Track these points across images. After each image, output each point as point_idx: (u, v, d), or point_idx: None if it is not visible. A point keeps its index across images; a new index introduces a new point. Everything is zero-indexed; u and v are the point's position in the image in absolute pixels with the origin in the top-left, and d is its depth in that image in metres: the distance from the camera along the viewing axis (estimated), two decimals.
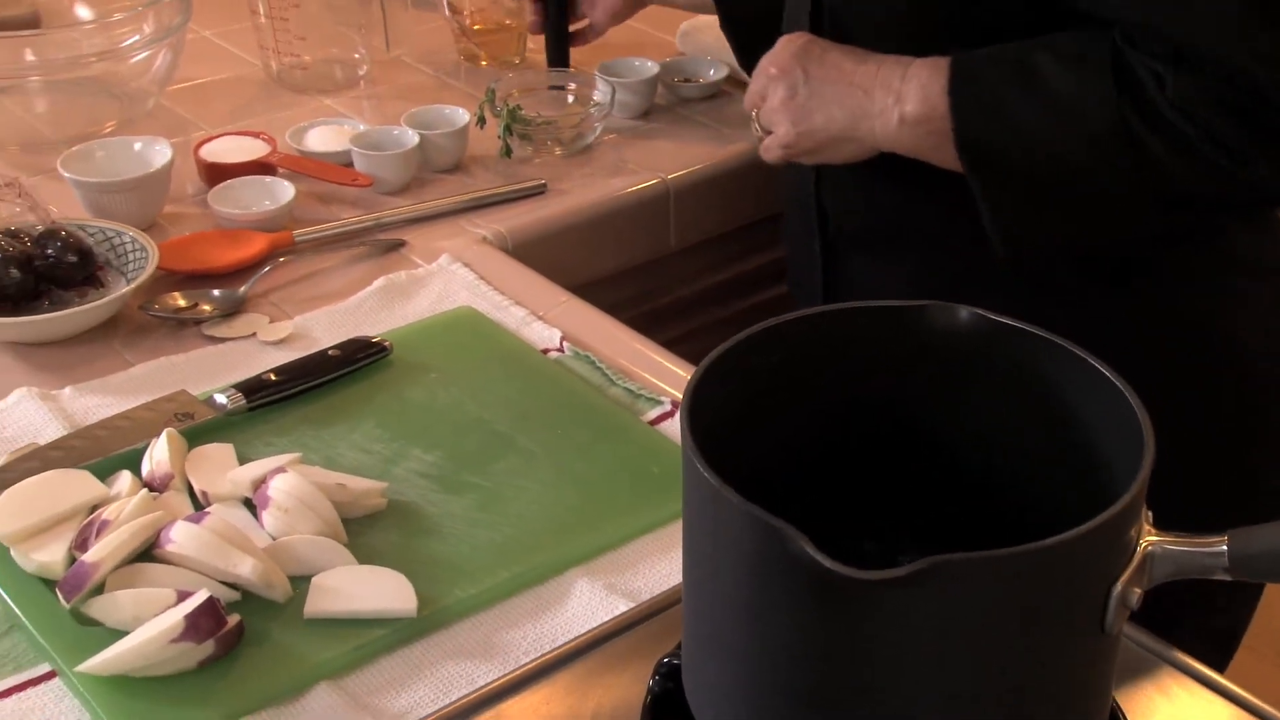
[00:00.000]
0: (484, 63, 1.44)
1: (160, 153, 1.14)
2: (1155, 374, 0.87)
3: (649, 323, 1.26)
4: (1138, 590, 0.54)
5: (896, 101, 0.87)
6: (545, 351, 0.98)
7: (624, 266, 1.23)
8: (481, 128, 1.27)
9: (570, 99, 1.32)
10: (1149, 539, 0.55)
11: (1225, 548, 0.54)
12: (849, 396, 0.64)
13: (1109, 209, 0.84)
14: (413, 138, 1.21)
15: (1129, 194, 0.83)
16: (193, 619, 0.68)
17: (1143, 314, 0.91)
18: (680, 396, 0.92)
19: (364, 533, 0.79)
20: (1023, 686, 0.54)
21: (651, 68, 1.34)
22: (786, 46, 0.93)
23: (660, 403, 0.92)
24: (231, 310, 1.02)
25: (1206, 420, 0.92)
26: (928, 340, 0.63)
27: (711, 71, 1.38)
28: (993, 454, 0.64)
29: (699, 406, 0.57)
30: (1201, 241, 0.90)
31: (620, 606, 0.74)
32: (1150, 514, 0.56)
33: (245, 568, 0.73)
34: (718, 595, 0.56)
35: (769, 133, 0.96)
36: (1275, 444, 0.95)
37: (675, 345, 1.28)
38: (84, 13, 1.41)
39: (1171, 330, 0.91)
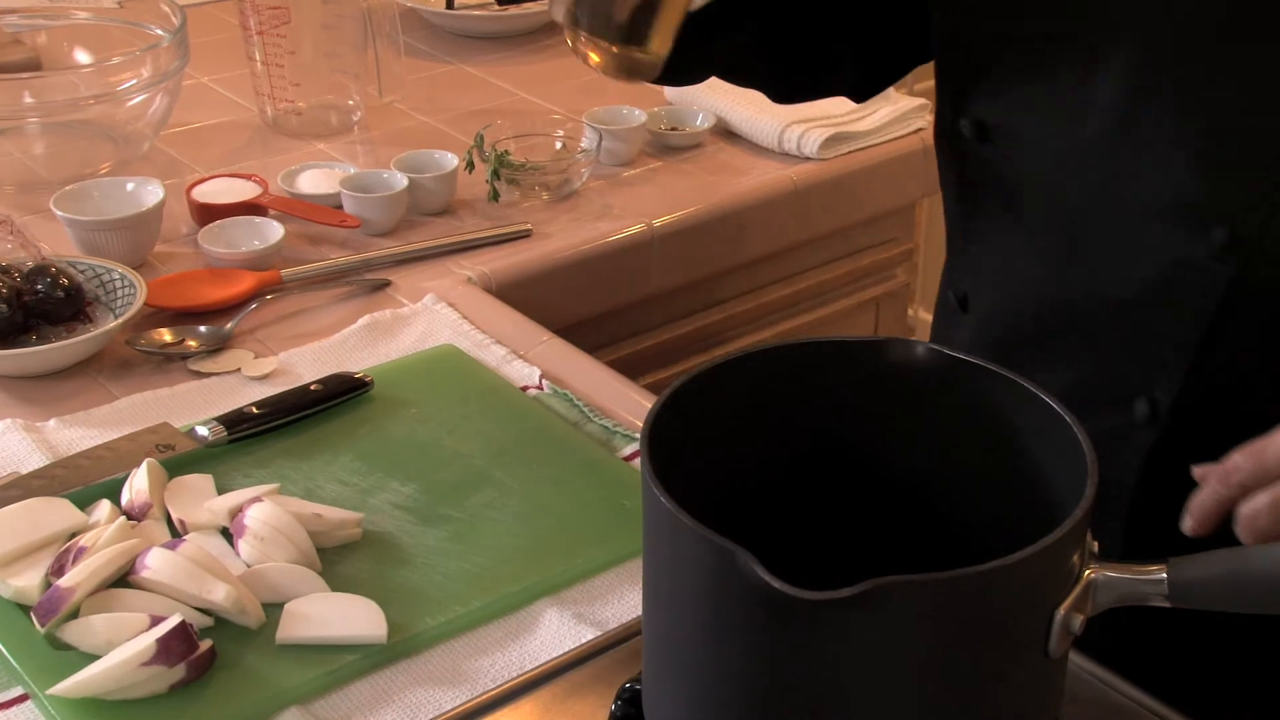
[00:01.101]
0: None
1: (152, 193, 1.17)
2: None
3: (630, 365, 1.28)
4: (1080, 616, 0.55)
5: None
6: (524, 389, 0.99)
7: (606, 309, 1.25)
8: (470, 172, 1.29)
9: (558, 145, 1.35)
10: (1092, 567, 0.56)
11: (1164, 575, 0.55)
12: (809, 428, 0.66)
13: None
14: (401, 180, 1.23)
15: None
16: (164, 643, 0.70)
17: None
18: None
19: (339, 562, 0.80)
20: (967, 707, 0.55)
21: (639, 116, 1.37)
22: None
23: (635, 439, 0.93)
24: (217, 346, 1.04)
25: None
26: (886, 374, 0.65)
27: (699, 120, 1.41)
28: (949, 486, 0.66)
29: (660, 434, 0.59)
30: None
31: (588, 635, 0.75)
32: (1096, 544, 0.58)
33: (219, 594, 0.74)
34: (674, 617, 0.58)
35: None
36: None
37: (656, 388, 1.31)
38: (83, 57, 1.44)
39: None
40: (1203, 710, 0.69)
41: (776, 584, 0.51)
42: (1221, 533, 0.61)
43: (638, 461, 0.91)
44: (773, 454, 0.66)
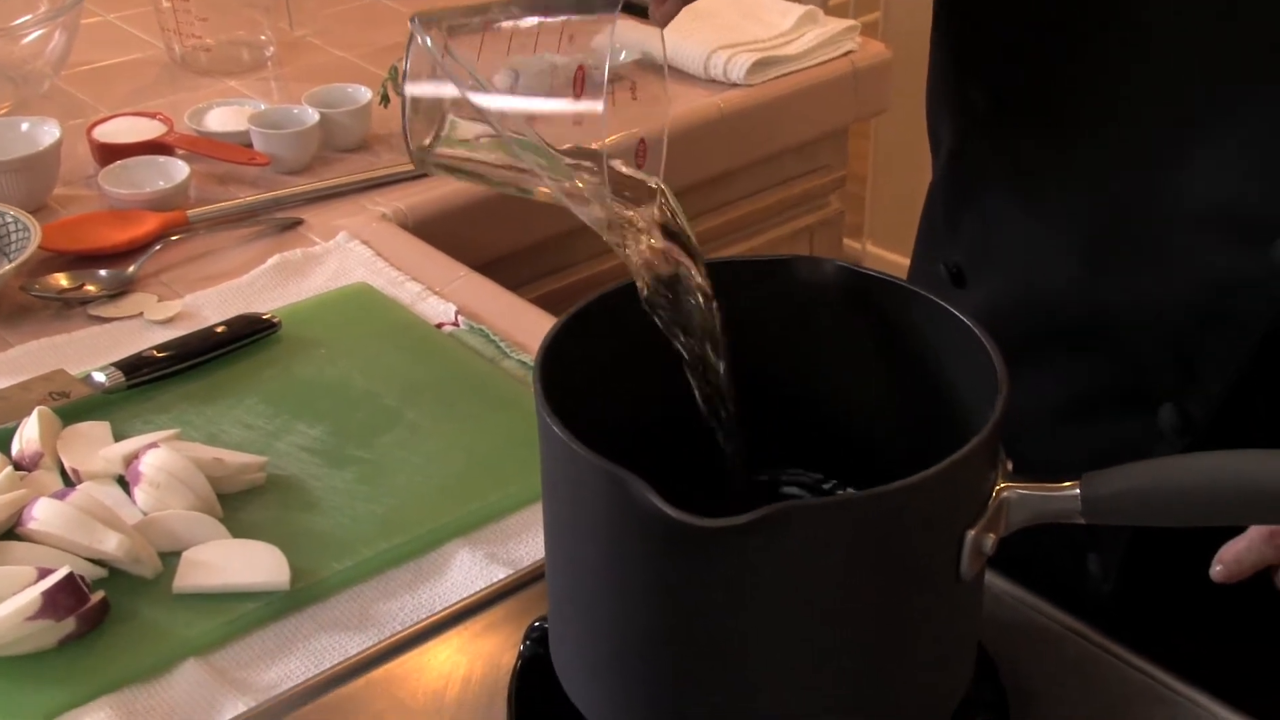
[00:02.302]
0: None
1: (48, 133, 1.12)
2: None
3: (554, 301, 1.24)
4: (993, 536, 0.53)
5: None
6: (439, 326, 0.96)
7: (530, 242, 1.21)
8: (385, 106, 1.25)
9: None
10: (1004, 484, 0.54)
11: (1078, 491, 0.54)
12: None
13: None
14: (312, 116, 1.19)
15: None
16: (50, 596, 0.66)
17: None
18: None
19: (241, 508, 0.77)
20: (879, 633, 0.53)
21: None
22: None
23: None
24: (119, 291, 1.00)
25: None
26: (795, 294, 0.62)
27: (622, 55, 1.36)
28: (862, 409, 0.64)
29: (555, 362, 0.56)
30: None
31: (500, 575, 0.73)
32: (1009, 462, 0.56)
33: (111, 544, 0.71)
34: (573, 550, 0.55)
35: None
36: None
37: None
38: None
39: None
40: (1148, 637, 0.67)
41: (672, 512, 0.48)
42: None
43: None
44: (677, 380, 0.63)
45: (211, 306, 0.99)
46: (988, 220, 0.77)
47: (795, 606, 0.51)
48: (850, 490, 0.64)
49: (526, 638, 0.65)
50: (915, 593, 0.53)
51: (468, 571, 0.73)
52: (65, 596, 0.67)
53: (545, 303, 1.21)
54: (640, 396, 0.63)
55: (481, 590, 0.71)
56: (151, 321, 0.97)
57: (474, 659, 0.66)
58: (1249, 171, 0.63)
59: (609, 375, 0.61)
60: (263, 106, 1.24)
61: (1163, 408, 0.70)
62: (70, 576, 0.68)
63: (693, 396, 0.61)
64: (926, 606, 0.54)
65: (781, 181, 1.44)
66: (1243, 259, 0.65)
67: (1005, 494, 0.54)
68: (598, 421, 0.57)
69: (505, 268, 1.18)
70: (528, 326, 0.97)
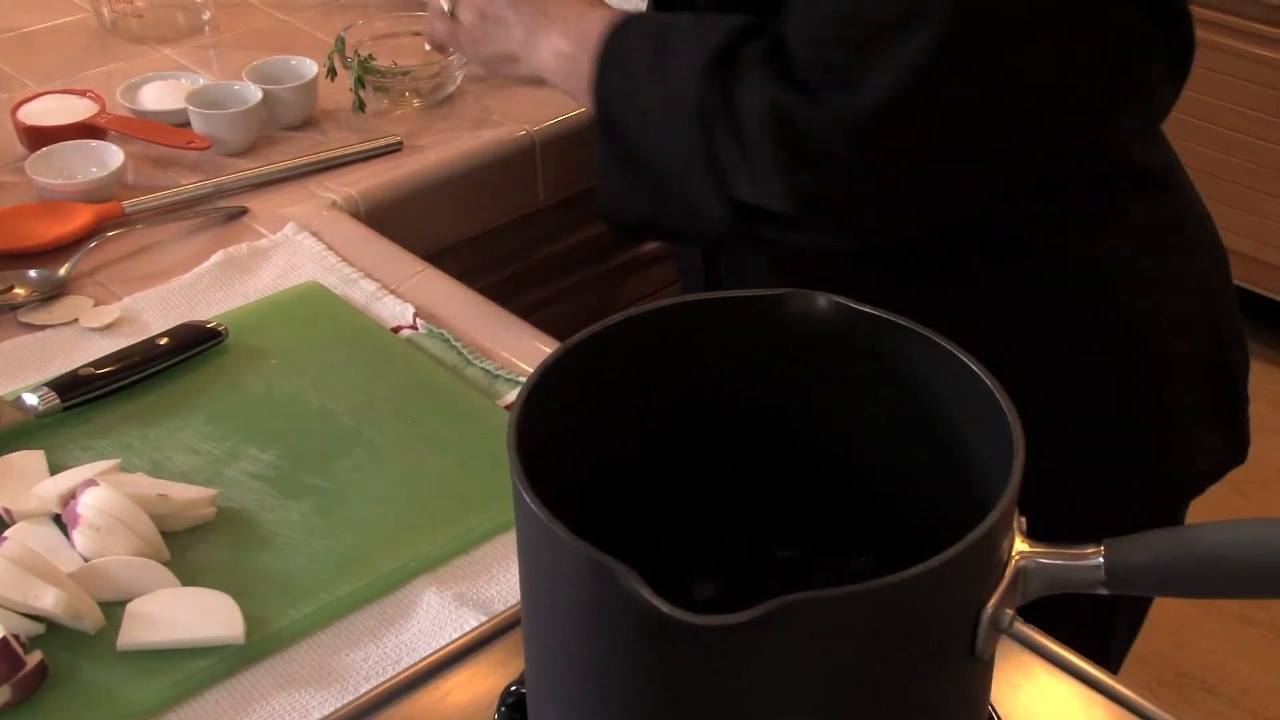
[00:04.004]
0: None
1: None
2: (1037, 354, 0.83)
3: (518, 284, 1.19)
4: (1009, 611, 0.49)
5: (562, 34, 0.87)
6: (397, 330, 0.90)
7: (490, 226, 1.15)
8: (332, 80, 1.18)
9: (428, 46, 1.23)
10: (1020, 551, 0.50)
11: (1101, 560, 0.49)
12: (703, 397, 0.58)
13: (687, 197, 0.80)
14: (255, 93, 1.12)
15: (701, 186, 0.79)
16: None
17: (1027, 293, 0.86)
18: None
19: (190, 548, 0.72)
20: (885, 717, 0.49)
21: None
22: None
23: (520, 383, 0.85)
24: (51, 293, 0.94)
25: (1091, 401, 0.87)
26: (785, 331, 0.57)
27: None
28: (860, 451, 0.59)
29: (530, 425, 0.51)
30: (1094, 214, 0.85)
31: (470, 619, 0.68)
32: (1023, 521, 0.52)
33: (48, 599, 0.65)
34: (556, 635, 0.51)
35: (452, 15, 0.96)
36: (1165, 423, 0.91)
37: (548, 305, 1.22)
38: None
39: (1058, 308, 0.86)
40: None
41: (665, 608, 0.44)
42: None
43: None
44: (663, 430, 0.58)
45: (152, 310, 0.93)
46: None
47: (797, 699, 0.47)
48: (844, 542, 0.60)
49: (502, 703, 0.60)
50: (927, 674, 0.49)
51: (435, 616, 0.69)
52: (0, 664, 0.62)
53: (508, 286, 1.16)
54: (617, 446, 0.58)
55: (451, 643, 0.66)
56: (88, 329, 0.91)
57: None
58: None
59: (584, 432, 0.56)
60: (201, 81, 1.17)
61: None
62: (4, 641, 0.62)
63: (673, 439, 0.57)
64: (939, 687, 0.50)
65: None
66: None
67: (1023, 563, 0.50)
68: (574, 485, 0.53)
69: (462, 252, 1.12)
70: (489, 328, 0.92)
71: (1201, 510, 0.88)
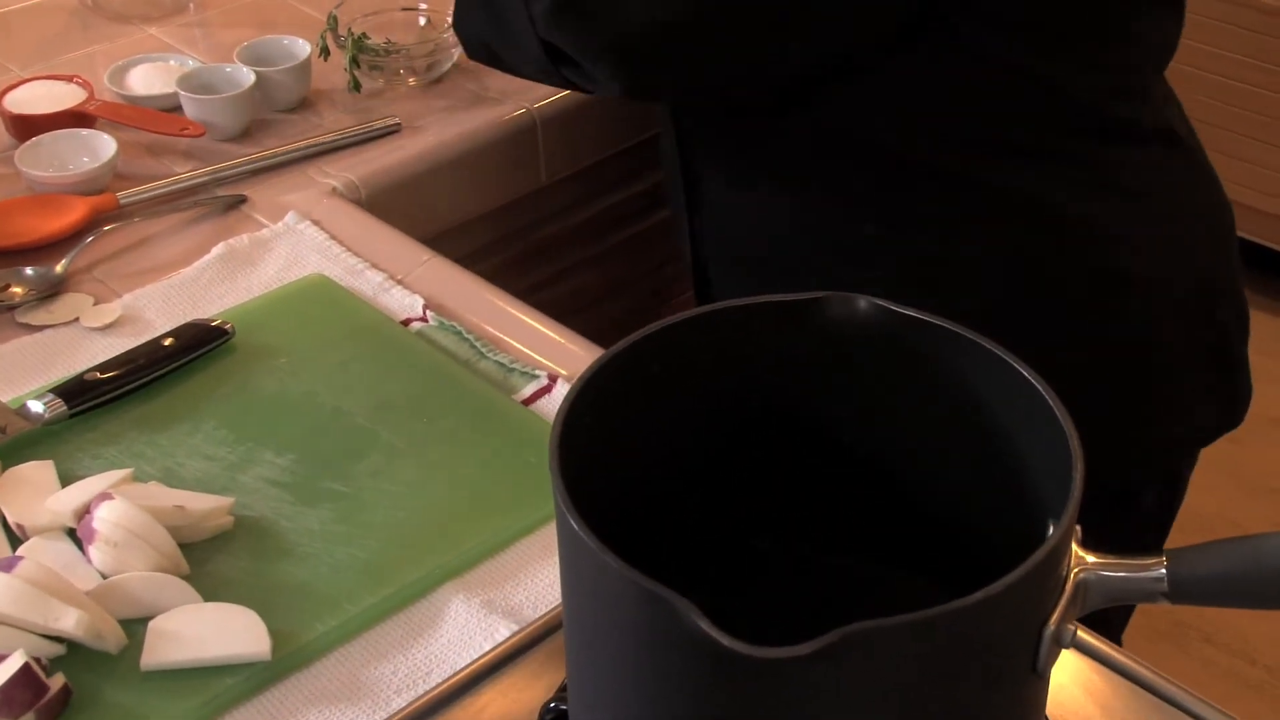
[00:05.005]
0: None
1: None
2: (1026, 311, 0.81)
3: (522, 264, 1.17)
4: (1072, 627, 0.48)
5: None
6: (406, 322, 0.88)
7: (491, 207, 1.13)
8: (325, 59, 1.15)
9: (423, 21, 1.20)
10: (1080, 564, 0.49)
11: (1164, 572, 0.48)
12: (745, 406, 0.56)
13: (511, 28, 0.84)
14: (248, 76, 1.09)
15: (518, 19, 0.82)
16: (6, 693, 0.60)
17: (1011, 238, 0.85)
18: (557, 368, 0.84)
19: (209, 560, 0.70)
20: None
21: None
22: None
23: (536, 376, 0.83)
24: (48, 291, 0.91)
25: (1080, 359, 0.85)
26: (826, 335, 0.56)
27: None
28: (904, 457, 0.58)
29: (571, 440, 0.49)
30: (1088, 170, 0.84)
31: (500, 627, 0.67)
32: (1079, 529, 0.50)
33: (69, 621, 0.64)
34: (604, 663, 0.49)
35: None
36: (1155, 383, 0.90)
37: (552, 284, 1.20)
38: None
39: (1048, 264, 0.85)
40: None
41: (726, 641, 0.42)
42: None
43: (540, 404, 0.82)
44: (702, 439, 0.56)
45: (154, 307, 0.90)
46: None
47: None
48: (897, 551, 0.58)
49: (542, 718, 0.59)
50: (989, 695, 0.48)
51: (464, 624, 0.67)
52: (21, 691, 0.60)
53: (511, 267, 1.14)
54: (656, 456, 0.56)
55: (484, 655, 0.64)
56: (89, 328, 0.88)
57: None
58: None
59: (623, 439, 0.54)
60: (190, 63, 1.14)
61: None
62: (26, 667, 0.61)
63: (714, 448, 0.55)
64: (1000, 705, 0.49)
65: None
66: None
67: (1083, 575, 0.49)
68: (618, 499, 0.51)
69: (465, 233, 1.10)
70: (499, 318, 0.90)
71: None
